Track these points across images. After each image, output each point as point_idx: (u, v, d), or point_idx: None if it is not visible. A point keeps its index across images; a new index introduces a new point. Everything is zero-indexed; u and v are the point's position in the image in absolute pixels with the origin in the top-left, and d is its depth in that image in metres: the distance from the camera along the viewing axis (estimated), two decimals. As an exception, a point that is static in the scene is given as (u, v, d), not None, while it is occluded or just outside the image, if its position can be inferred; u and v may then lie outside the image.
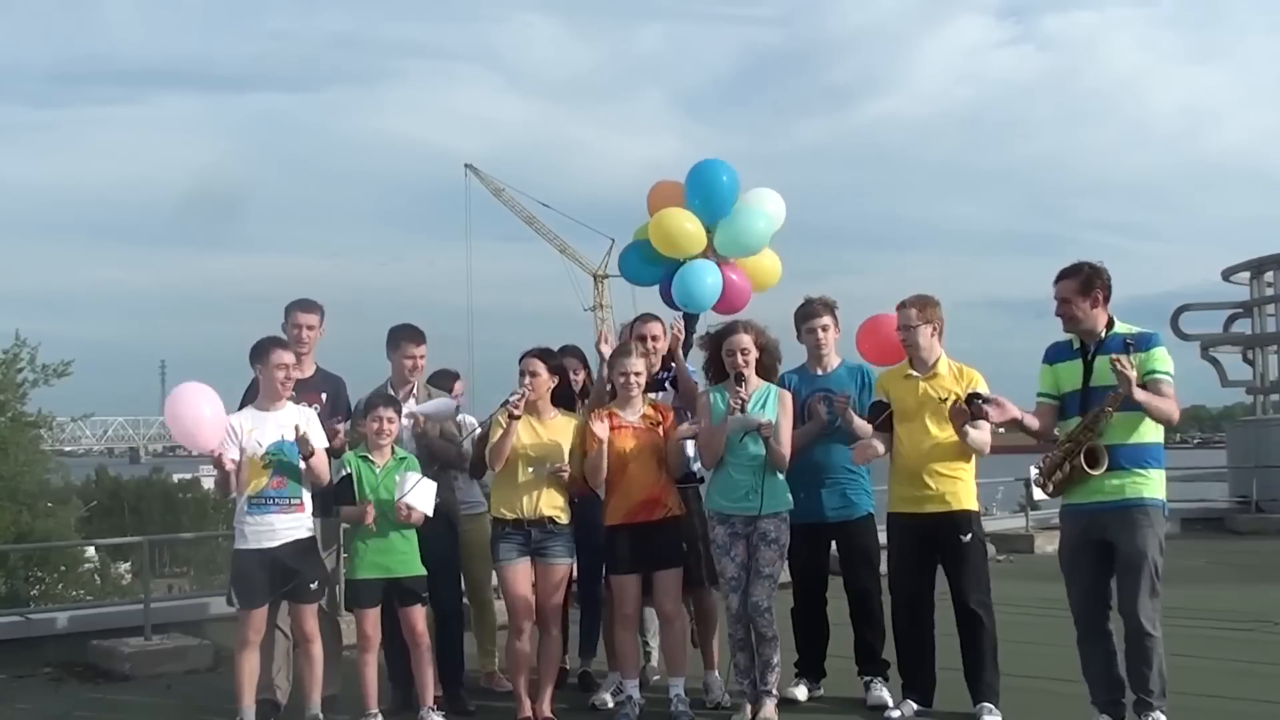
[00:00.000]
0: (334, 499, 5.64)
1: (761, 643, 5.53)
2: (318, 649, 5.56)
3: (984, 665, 5.45)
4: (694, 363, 6.30)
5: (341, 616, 6.57)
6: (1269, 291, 17.23)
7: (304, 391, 5.80)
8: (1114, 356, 4.82)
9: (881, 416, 5.58)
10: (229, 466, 5.33)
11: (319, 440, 5.55)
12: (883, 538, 5.86)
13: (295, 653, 5.82)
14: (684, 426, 5.63)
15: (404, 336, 6.05)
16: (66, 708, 6.29)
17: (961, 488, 5.50)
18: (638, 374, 5.64)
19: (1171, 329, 17.34)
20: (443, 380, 6.43)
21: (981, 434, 5.41)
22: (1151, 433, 4.99)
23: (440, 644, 5.89)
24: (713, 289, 6.50)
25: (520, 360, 5.64)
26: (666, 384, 6.18)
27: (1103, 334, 5.04)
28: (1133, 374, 4.75)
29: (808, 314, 6.05)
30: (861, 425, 5.67)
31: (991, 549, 10.64)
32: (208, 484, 55.08)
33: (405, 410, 5.88)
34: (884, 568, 5.90)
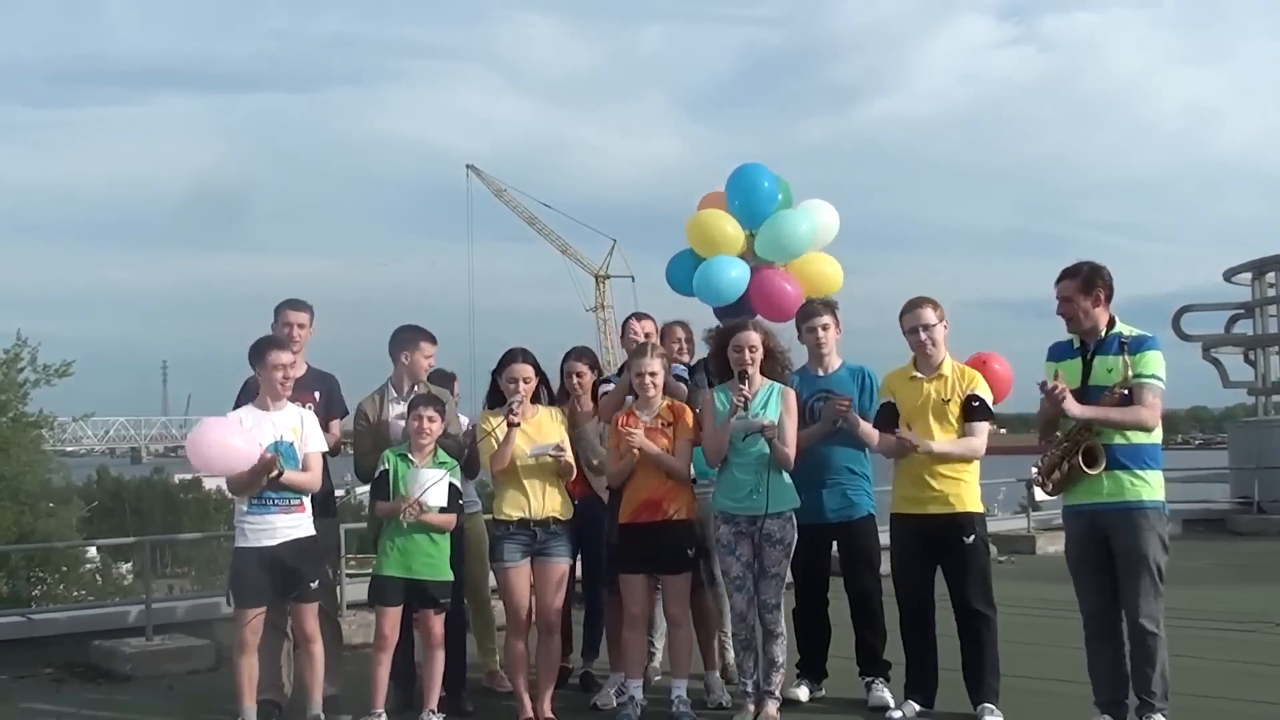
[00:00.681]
0: (370, 495, 5.63)
1: (769, 640, 5.52)
2: (319, 649, 5.55)
3: (985, 666, 5.44)
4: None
5: (342, 616, 6.58)
6: (1271, 292, 17.19)
7: (297, 390, 5.80)
8: (1043, 382, 4.90)
9: (889, 418, 5.57)
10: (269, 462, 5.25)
11: (318, 443, 5.56)
12: (884, 538, 5.87)
13: (296, 653, 5.82)
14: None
15: (422, 337, 6.07)
16: (68, 708, 6.28)
17: (965, 489, 5.49)
18: (654, 374, 5.64)
19: (1173, 330, 17.34)
20: (440, 380, 6.44)
21: (965, 442, 5.42)
22: (1149, 433, 4.99)
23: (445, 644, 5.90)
24: (737, 282, 6.46)
25: (503, 366, 5.63)
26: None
27: (1103, 333, 5.04)
28: (1068, 401, 4.84)
29: (808, 314, 6.05)
30: (866, 430, 5.66)
31: (993, 550, 10.68)
32: (209, 484, 55.11)
33: (398, 411, 5.90)
34: (885, 568, 5.90)
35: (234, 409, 5.61)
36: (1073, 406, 4.87)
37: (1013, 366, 6.31)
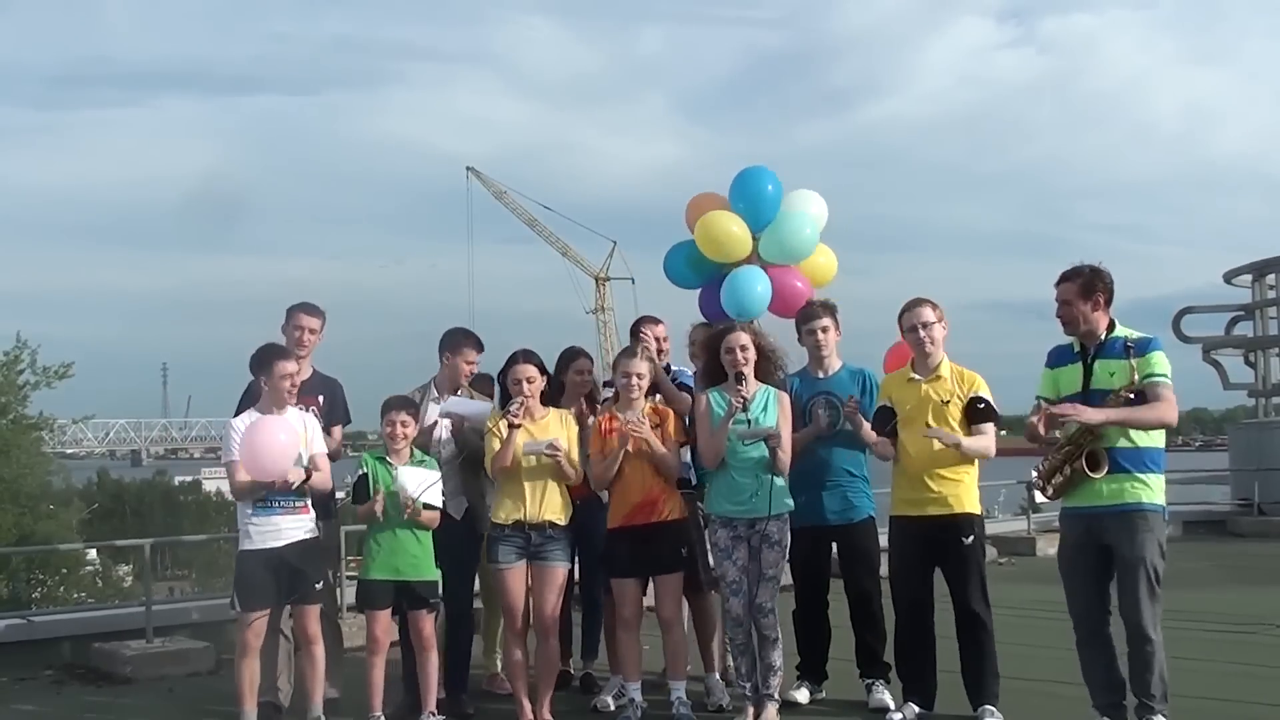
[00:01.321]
0: (351, 499, 5.65)
1: (764, 645, 5.53)
2: (320, 651, 5.56)
3: (984, 668, 5.44)
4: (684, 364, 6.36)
5: (343, 619, 6.57)
6: (1271, 294, 17.21)
7: (301, 394, 5.81)
8: (1050, 411, 4.89)
9: (889, 424, 5.58)
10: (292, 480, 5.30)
11: (321, 445, 5.57)
12: (884, 540, 5.87)
13: (297, 655, 5.82)
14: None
15: (468, 343, 6.10)
16: (68, 710, 6.29)
17: (964, 490, 5.49)
18: (640, 375, 5.64)
19: (1173, 331, 17.35)
20: (481, 385, 6.43)
21: (980, 440, 5.42)
22: (1152, 436, 4.98)
23: (448, 646, 5.90)
24: (762, 297, 6.49)
25: (509, 368, 5.65)
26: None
27: (1103, 337, 5.04)
28: (1084, 413, 4.84)
29: (808, 316, 6.06)
30: (868, 431, 5.67)
31: (993, 551, 10.68)
32: (209, 486, 55.17)
33: (441, 409, 5.91)
34: (884, 570, 5.90)
35: (236, 413, 5.62)
36: (1091, 415, 4.84)
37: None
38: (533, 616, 5.69)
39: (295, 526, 5.44)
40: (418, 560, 5.55)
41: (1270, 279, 17.20)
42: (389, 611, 5.57)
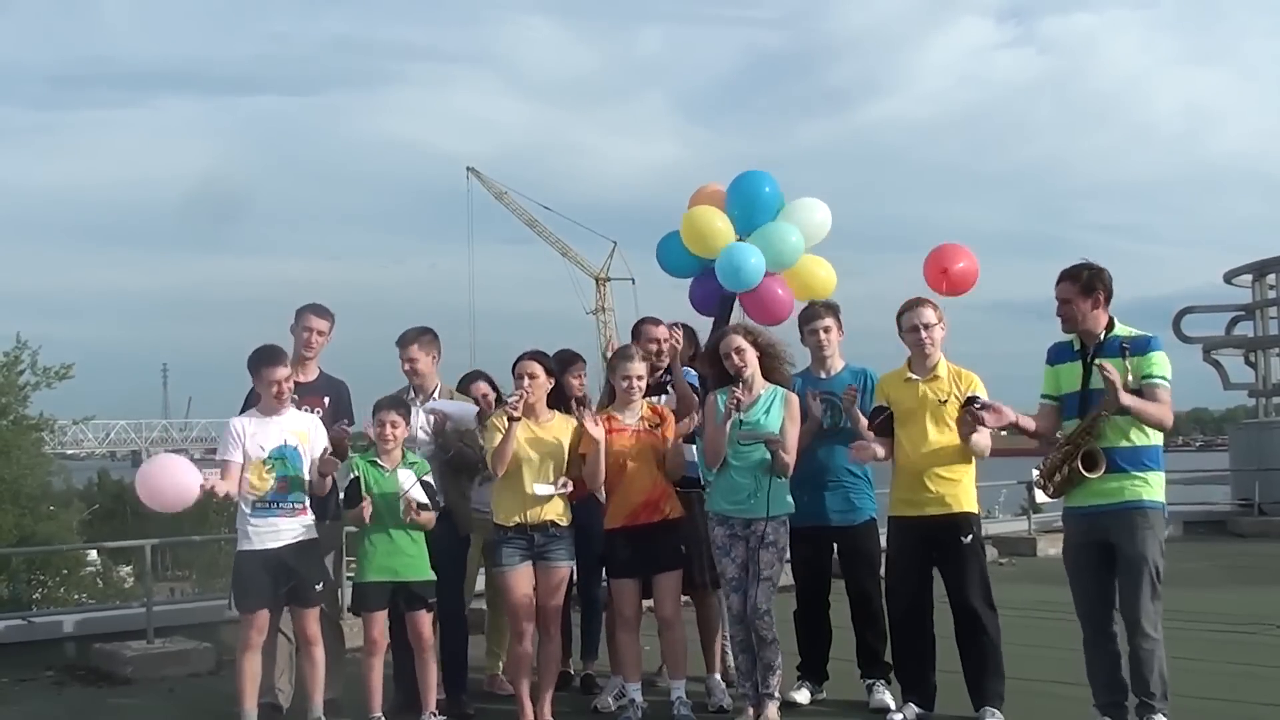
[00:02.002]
0: (344, 503, 5.65)
1: (762, 646, 5.53)
2: (320, 652, 5.57)
3: (986, 668, 5.44)
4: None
5: (343, 620, 6.57)
6: (1271, 294, 17.21)
7: (307, 395, 5.81)
8: (1099, 363, 4.83)
9: (880, 419, 5.58)
10: (220, 491, 5.35)
11: (324, 445, 5.57)
12: (884, 540, 5.87)
13: (297, 656, 5.82)
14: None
15: (401, 341, 6.08)
16: (69, 711, 6.29)
17: (961, 490, 5.49)
18: (639, 377, 5.65)
19: (1174, 331, 17.35)
20: (473, 380, 6.44)
21: (981, 438, 5.42)
22: (1149, 435, 4.99)
23: (442, 647, 5.90)
24: (756, 269, 6.47)
25: (516, 364, 5.66)
26: (668, 387, 6.20)
27: (1102, 336, 5.04)
28: (1118, 379, 4.75)
29: (810, 316, 6.07)
30: (864, 428, 5.68)
31: (994, 551, 10.68)
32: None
33: (426, 406, 5.92)
34: (884, 570, 5.90)
35: (240, 413, 5.64)
36: (1125, 397, 4.77)
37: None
38: (534, 616, 5.68)
39: (294, 528, 5.44)
40: (414, 560, 5.55)
41: (1270, 279, 17.20)
42: (386, 613, 5.58)
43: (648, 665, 6.05)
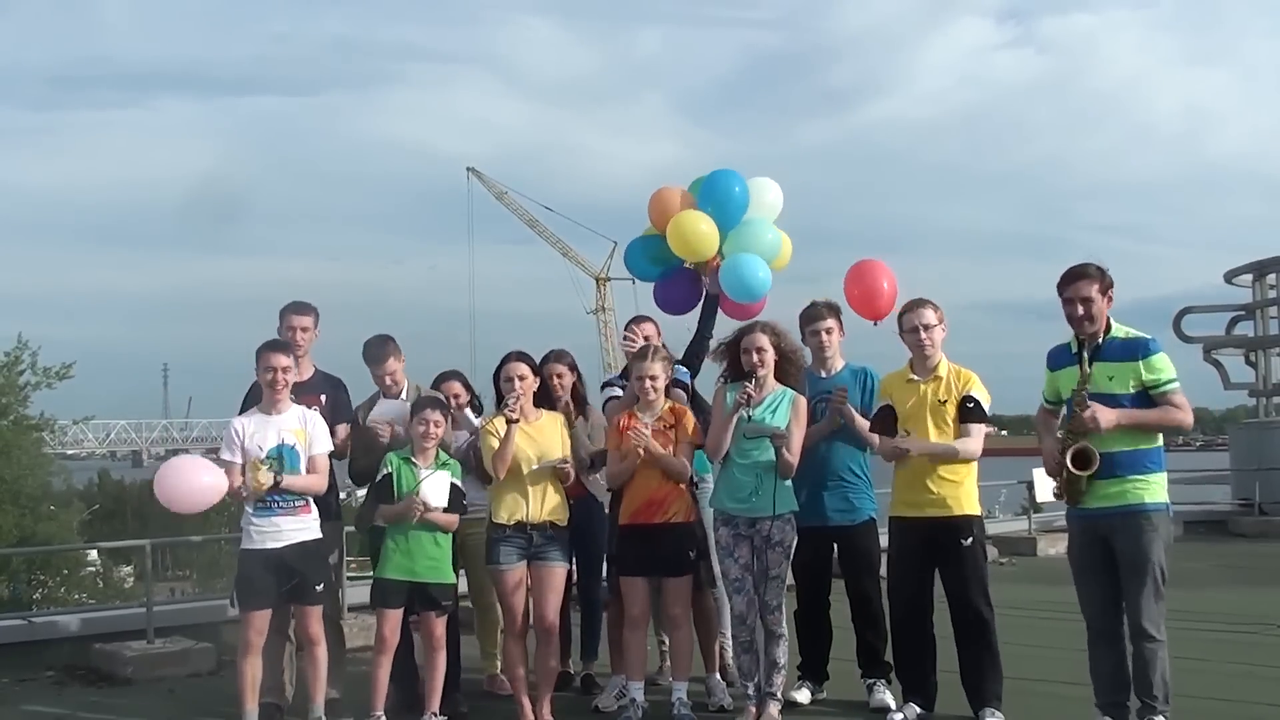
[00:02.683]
0: (374, 499, 5.65)
1: (770, 641, 5.52)
2: (322, 652, 5.57)
3: (985, 669, 5.44)
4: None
5: (344, 620, 6.58)
6: (1271, 294, 17.19)
7: (303, 394, 5.81)
8: (1090, 415, 4.84)
9: (881, 419, 5.58)
10: (236, 483, 5.36)
11: (323, 444, 5.56)
12: (884, 540, 5.86)
13: (299, 655, 5.82)
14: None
15: (383, 353, 6.07)
16: (69, 711, 6.29)
17: (963, 492, 5.49)
18: (654, 377, 5.64)
19: (1174, 331, 17.34)
20: (446, 379, 6.43)
21: (965, 442, 5.41)
22: (1149, 438, 4.97)
23: None
24: (764, 282, 6.49)
25: (502, 366, 5.65)
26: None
27: (1101, 338, 5.02)
28: (1105, 419, 4.81)
29: (811, 316, 6.06)
30: (864, 427, 5.68)
31: (993, 551, 10.68)
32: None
33: (373, 416, 5.95)
34: (884, 570, 5.90)
35: (240, 413, 5.65)
36: (1107, 416, 4.81)
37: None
38: (533, 617, 5.69)
39: (296, 528, 5.44)
40: (436, 563, 5.54)
41: (1270, 279, 17.18)
42: (400, 611, 5.56)
43: (648, 665, 6.05)
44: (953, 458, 5.43)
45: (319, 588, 5.53)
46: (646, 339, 6.23)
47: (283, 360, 5.48)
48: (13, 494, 27.97)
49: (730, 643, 5.99)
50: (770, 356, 5.56)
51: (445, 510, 5.51)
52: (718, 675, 6.11)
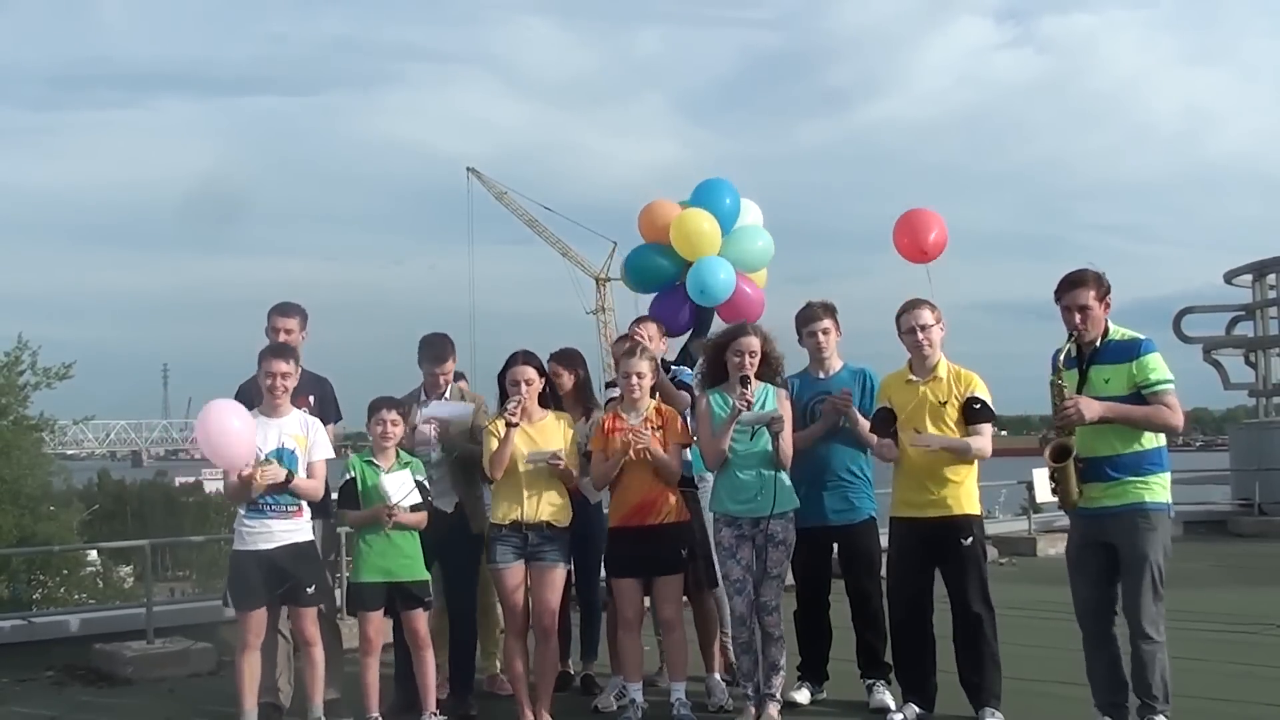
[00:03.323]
0: (338, 503, 5.64)
1: (769, 643, 5.52)
2: (319, 652, 5.57)
3: (985, 669, 5.44)
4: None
5: (342, 620, 6.57)
6: (1271, 294, 17.21)
7: (293, 395, 5.80)
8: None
9: (880, 419, 5.58)
10: (246, 474, 5.32)
11: (324, 451, 5.57)
12: (884, 540, 5.86)
13: (297, 656, 5.82)
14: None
15: (423, 352, 6.07)
16: (69, 711, 6.29)
17: (963, 492, 5.48)
18: (640, 374, 5.64)
19: (1174, 332, 17.35)
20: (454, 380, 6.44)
21: (977, 441, 5.41)
22: (1150, 439, 4.97)
23: (452, 648, 5.93)
24: (725, 284, 6.55)
25: (507, 369, 5.63)
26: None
27: (1098, 342, 5.01)
28: (1090, 412, 4.80)
29: (808, 317, 6.05)
30: (863, 425, 5.69)
31: (993, 551, 10.68)
32: (210, 487, 55.12)
33: (424, 413, 5.92)
34: (884, 570, 5.90)
35: None
36: (1091, 408, 4.82)
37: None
38: (532, 617, 5.69)
39: (288, 530, 5.44)
40: (410, 561, 5.55)
41: (1270, 279, 17.19)
42: (381, 612, 5.59)
43: (648, 665, 6.05)
44: (967, 454, 5.44)
45: (311, 590, 5.52)
46: (650, 339, 6.22)
47: (283, 366, 5.49)
48: (13, 494, 27.97)
49: (731, 643, 5.99)
50: (758, 359, 5.56)
51: (414, 508, 5.52)
52: (718, 675, 6.10)
